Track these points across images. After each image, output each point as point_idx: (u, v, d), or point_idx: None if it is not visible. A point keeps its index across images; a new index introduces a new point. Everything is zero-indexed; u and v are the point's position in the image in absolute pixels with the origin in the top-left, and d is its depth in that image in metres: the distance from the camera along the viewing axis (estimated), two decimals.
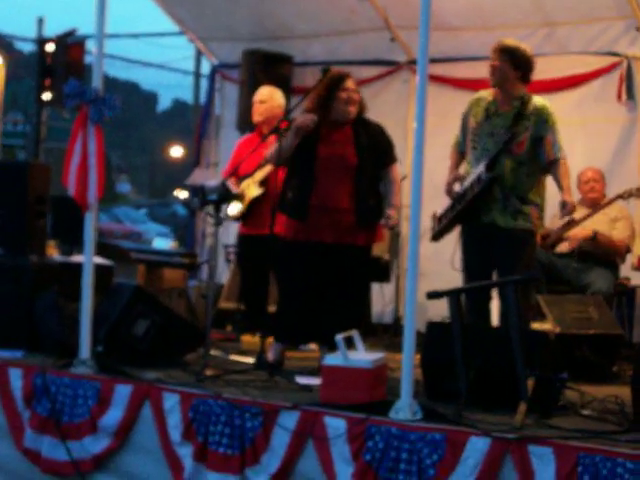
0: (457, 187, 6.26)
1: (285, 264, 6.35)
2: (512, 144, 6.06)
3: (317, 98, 6.32)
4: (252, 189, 7.10)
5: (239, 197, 6.94)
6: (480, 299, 6.13)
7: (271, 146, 6.37)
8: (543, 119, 6.16)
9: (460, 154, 6.42)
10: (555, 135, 6.18)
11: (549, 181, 8.22)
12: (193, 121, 10.82)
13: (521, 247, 6.14)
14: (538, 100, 6.23)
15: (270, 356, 6.29)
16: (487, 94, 6.32)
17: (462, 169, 6.43)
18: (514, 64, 6.14)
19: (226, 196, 6.23)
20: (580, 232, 7.45)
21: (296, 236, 6.24)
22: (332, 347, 5.72)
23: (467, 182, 6.15)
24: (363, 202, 6.23)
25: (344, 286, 6.25)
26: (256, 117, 7.37)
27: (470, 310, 6.08)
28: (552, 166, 6.20)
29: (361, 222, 6.24)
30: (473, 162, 6.22)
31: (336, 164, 6.23)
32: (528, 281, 6.11)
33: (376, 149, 6.33)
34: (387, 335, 8.31)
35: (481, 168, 6.05)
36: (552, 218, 7.73)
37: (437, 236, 6.52)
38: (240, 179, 7.14)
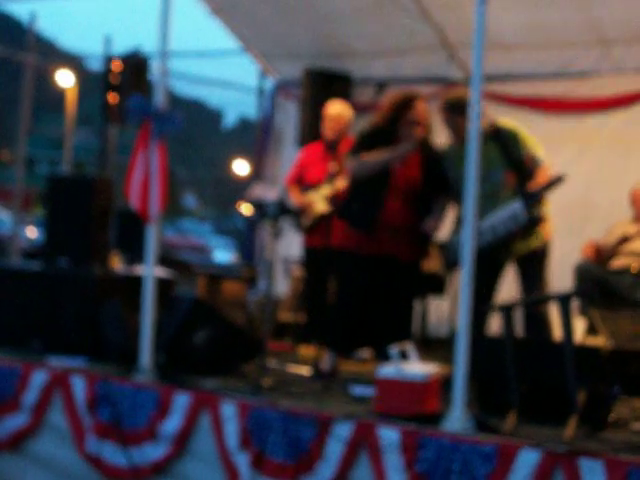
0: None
1: (346, 275, 6.46)
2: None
3: (384, 119, 6.38)
4: (320, 204, 7.22)
5: (297, 212, 7.06)
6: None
7: (352, 161, 6.42)
8: (514, 140, 6.16)
9: None
10: (530, 150, 6.18)
11: (608, 199, 8.25)
12: (257, 137, 10.91)
13: (542, 262, 6.28)
14: (502, 122, 6.24)
15: (324, 366, 6.40)
16: (451, 141, 6.37)
17: None
18: (459, 114, 6.11)
19: (284, 210, 6.33)
20: None
21: (359, 250, 6.35)
22: (384, 356, 5.84)
23: (496, 220, 6.12)
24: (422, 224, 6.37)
25: (396, 298, 6.39)
26: (328, 133, 7.50)
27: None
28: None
29: (423, 241, 6.42)
30: None
31: (406, 186, 6.34)
32: (581, 296, 6.15)
33: (436, 177, 6.40)
34: (443, 348, 8.33)
35: (517, 209, 6.04)
36: (606, 234, 7.76)
37: (452, 266, 6.47)
38: (305, 189, 7.27)
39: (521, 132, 6.22)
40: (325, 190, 7.18)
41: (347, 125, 7.46)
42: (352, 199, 6.44)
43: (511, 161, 6.12)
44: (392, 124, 6.34)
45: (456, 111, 6.17)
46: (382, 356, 6.23)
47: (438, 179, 6.40)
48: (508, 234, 6.13)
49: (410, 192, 6.35)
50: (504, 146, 6.14)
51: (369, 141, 6.38)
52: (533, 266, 6.30)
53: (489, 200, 6.04)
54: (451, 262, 6.43)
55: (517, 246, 6.23)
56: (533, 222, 6.11)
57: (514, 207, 6.07)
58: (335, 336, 6.46)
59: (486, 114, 5.87)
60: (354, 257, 6.39)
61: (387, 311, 6.40)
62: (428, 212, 6.40)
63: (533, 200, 6.04)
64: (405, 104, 6.31)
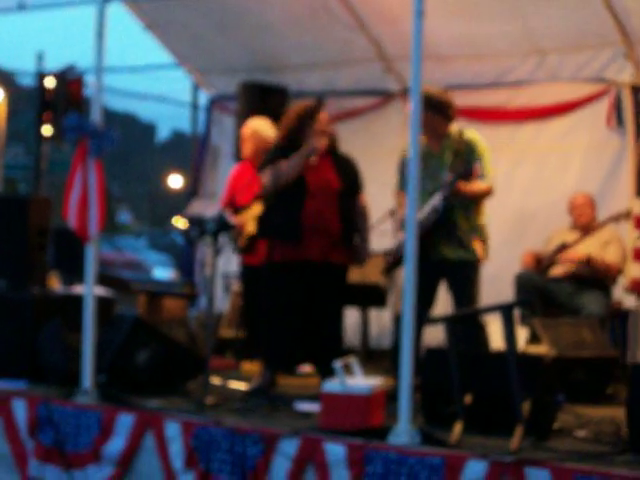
0: None
1: (276, 287, 6.46)
2: (468, 177, 6.24)
3: (289, 130, 6.52)
4: (250, 225, 7.17)
5: (236, 228, 7.01)
6: None
7: (265, 174, 6.48)
8: (472, 149, 6.37)
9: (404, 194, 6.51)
10: (482, 164, 6.35)
11: (546, 207, 8.33)
12: (191, 151, 10.87)
13: (472, 277, 6.39)
14: (468, 133, 6.48)
15: (259, 381, 6.41)
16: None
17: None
18: (430, 110, 6.25)
19: (224, 227, 6.29)
20: (574, 255, 7.54)
21: (286, 257, 6.38)
22: (323, 369, 6.01)
23: (421, 215, 6.22)
24: (349, 223, 6.49)
25: (326, 305, 6.44)
26: (244, 153, 7.56)
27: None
28: None
29: (347, 242, 6.48)
30: None
31: (323, 189, 6.42)
32: (523, 305, 6.19)
33: (349, 178, 6.58)
34: (386, 360, 8.32)
35: (435, 200, 6.24)
36: (545, 242, 7.82)
37: (390, 269, 6.80)
38: (236, 210, 7.23)
39: (480, 146, 6.44)
40: (256, 209, 7.12)
41: (262, 142, 7.43)
42: (271, 213, 6.53)
43: (461, 168, 6.27)
44: (298, 135, 6.47)
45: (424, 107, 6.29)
46: (322, 370, 6.29)
47: (352, 179, 6.60)
48: (430, 226, 6.25)
49: (329, 193, 6.44)
50: (460, 154, 6.34)
51: (280, 153, 6.48)
52: (462, 279, 6.38)
53: (431, 198, 6.30)
54: (390, 264, 6.69)
55: (444, 250, 6.33)
56: (447, 206, 6.22)
57: (434, 200, 6.26)
58: (273, 353, 6.47)
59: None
60: (283, 267, 6.40)
61: (321, 321, 6.43)
62: (351, 212, 6.54)
63: (447, 188, 6.19)
64: (309, 115, 6.46)
